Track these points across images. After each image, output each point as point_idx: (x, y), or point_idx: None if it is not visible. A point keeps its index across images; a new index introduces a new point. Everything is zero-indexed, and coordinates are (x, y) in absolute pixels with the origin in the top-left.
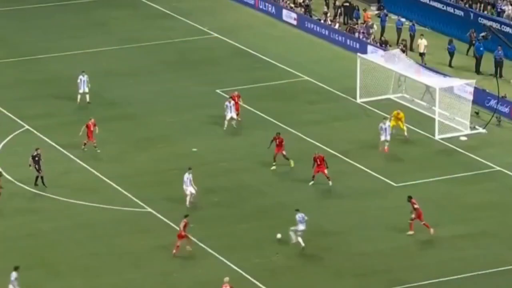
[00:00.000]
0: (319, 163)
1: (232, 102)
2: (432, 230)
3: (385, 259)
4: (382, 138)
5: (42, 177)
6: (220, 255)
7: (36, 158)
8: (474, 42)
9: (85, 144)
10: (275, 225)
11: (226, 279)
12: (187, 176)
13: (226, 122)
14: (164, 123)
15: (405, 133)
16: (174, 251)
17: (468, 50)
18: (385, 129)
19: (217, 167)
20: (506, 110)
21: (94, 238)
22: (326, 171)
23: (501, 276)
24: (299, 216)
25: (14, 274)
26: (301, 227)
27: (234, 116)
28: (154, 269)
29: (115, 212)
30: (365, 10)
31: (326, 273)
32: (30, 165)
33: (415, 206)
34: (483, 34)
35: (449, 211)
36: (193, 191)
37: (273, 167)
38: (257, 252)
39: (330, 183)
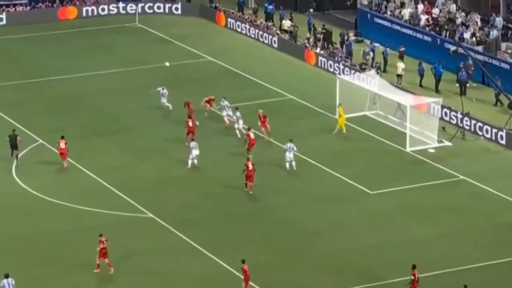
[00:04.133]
0: (263, 120)
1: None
2: None
3: (362, 257)
4: None
5: (17, 155)
6: (211, 254)
7: (15, 138)
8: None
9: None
10: (261, 226)
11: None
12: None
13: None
14: (161, 136)
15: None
16: None
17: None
18: None
19: (209, 177)
20: (470, 125)
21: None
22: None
23: (467, 273)
24: (192, 144)
25: (4, 282)
26: (195, 152)
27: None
28: (152, 268)
29: (118, 217)
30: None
31: (307, 269)
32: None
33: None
34: (453, 49)
35: (420, 215)
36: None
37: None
38: (244, 251)
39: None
